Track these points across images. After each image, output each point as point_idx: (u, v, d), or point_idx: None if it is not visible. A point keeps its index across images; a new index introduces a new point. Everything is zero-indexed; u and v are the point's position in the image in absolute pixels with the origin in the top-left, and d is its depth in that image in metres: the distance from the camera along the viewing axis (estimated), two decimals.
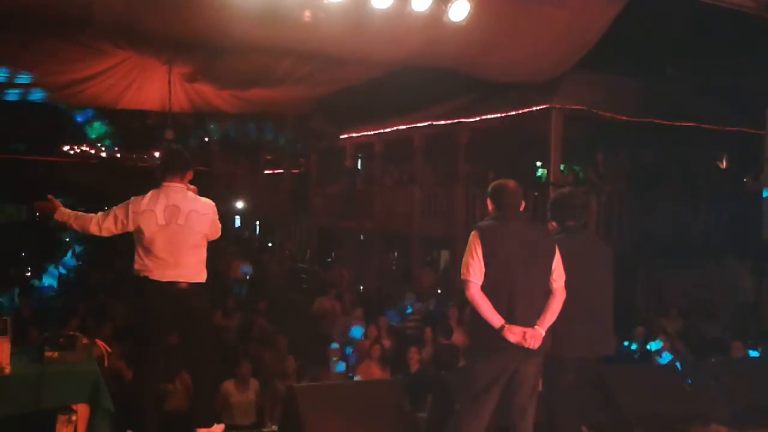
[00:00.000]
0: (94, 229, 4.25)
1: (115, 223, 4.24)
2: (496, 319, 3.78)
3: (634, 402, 5.25)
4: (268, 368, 8.11)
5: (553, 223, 4.46)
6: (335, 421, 4.36)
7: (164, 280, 4.19)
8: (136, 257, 4.27)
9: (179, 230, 4.22)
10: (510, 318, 3.79)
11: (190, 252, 4.28)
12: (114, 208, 4.29)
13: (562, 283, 3.96)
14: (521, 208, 4.05)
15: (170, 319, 4.30)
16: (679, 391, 5.73)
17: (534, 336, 3.80)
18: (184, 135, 17.10)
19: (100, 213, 4.30)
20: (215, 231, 4.45)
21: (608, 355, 4.54)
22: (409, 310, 10.84)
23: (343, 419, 4.39)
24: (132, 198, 4.30)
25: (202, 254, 4.37)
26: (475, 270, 3.82)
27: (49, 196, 4.34)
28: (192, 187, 4.49)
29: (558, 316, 3.94)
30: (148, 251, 4.21)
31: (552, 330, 3.92)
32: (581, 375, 4.31)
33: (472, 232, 3.91)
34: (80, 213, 4.34)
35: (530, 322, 3.83)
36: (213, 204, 4.44)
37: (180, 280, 4.22)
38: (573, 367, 4.21)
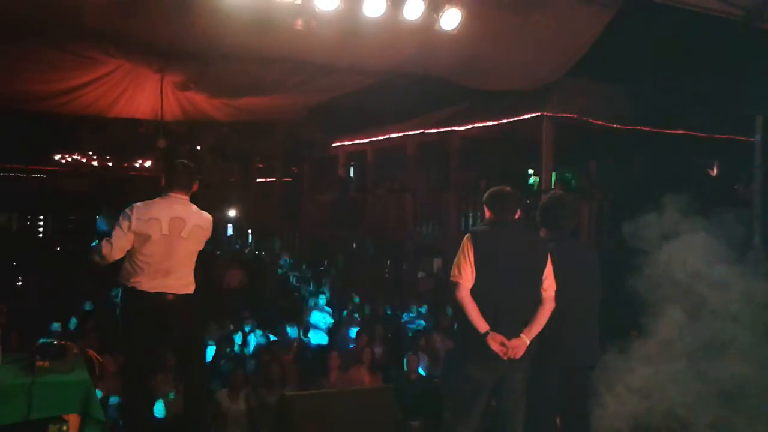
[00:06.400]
0: (106, 251, 4.17)
1: (125, 235, 4.17)
2: (481, 325, 3.77)
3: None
4: (266, 377, 8.02)
5: (543, 230, 4.38)
6: (328, 429, 4.33)
7: (152, 290, 4.19)
8: (125, 265, 4.25)
9: (181, 243, 4.26)
10: (495, 325, 3.77)
11: (184, 264, 4.30)
12: (113, 232, 4.20)
13: (552, 293, 3.93)
14: (517, 216, 4.04)
15: (158, 330, 4.27)
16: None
17: (516, 346, 3.78)
18: (176, 144, 17.02)
19: (103, 241, 4.22)
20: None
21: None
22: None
23: (336, 427, 4.37)
24: (133, 205, 4.26)
25: (192, 266, 4.41)
26: (466, 273, 3.81)
27: None
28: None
29: (547, 323, 3.91)
30: (141, 260, 4.19)
31: (539, 336, 3.89)
32: (570, 384, 4.21)
33: (466, 236, 3.90)
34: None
35: (515, 331, 3.81)
36: (211, 219, 4.53)
37: (167, 291, 4.22)
38: (557, 374, 4.15)
